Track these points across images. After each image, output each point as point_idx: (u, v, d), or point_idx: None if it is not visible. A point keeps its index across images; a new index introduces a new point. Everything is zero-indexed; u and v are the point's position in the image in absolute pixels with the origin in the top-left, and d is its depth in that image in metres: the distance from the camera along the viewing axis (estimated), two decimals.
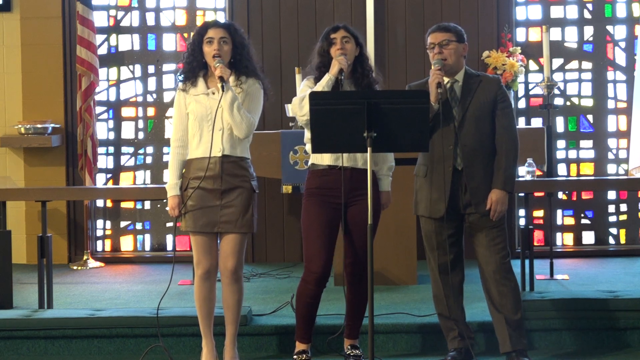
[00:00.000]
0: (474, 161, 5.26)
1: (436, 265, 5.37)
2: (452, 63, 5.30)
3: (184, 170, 5.33)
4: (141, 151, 8.63)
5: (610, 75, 8.45)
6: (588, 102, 8.48)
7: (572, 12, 8.49)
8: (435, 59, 5.28)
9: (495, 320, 5.37)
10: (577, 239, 8.47)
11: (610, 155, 8.45)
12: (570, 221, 8.49)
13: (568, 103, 8.48)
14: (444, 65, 5.27)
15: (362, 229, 5.20)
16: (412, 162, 6.02)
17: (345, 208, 5.31)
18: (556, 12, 8.50)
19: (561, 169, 8.46)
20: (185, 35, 8.54)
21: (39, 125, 8.21)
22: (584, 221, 8.48)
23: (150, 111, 8.62)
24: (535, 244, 7.52)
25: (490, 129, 5.30)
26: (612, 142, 8.44)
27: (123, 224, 8.65)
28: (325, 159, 5.33)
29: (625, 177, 8.18)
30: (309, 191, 5.37)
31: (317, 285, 5.30)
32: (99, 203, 8.57)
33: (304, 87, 5.39)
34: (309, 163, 5.42)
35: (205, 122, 5.25)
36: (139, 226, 8.65)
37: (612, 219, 8.46)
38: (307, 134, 5.38)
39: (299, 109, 5.29)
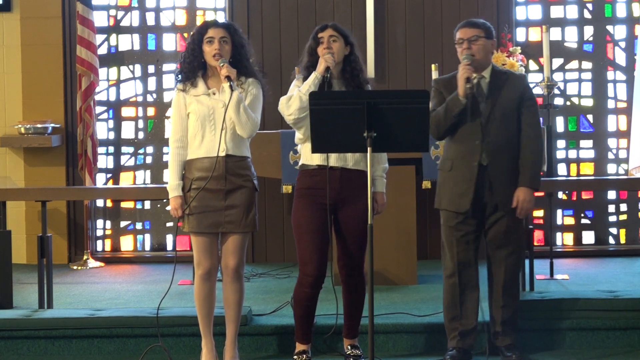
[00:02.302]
0: (499, 157, 5.28)
1: (452, 261, 5.36)
2: (480, 59, 5.31)
3: (184, 171, 5.33)
4: (141, 151, 8.62)
5: (610, 75, 8.45)
6: (588, 102, 8.48)
7: (572, 12, 8.48)
8: (464, 54, 5.29)
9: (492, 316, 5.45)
10: (577, 239, 8.47)
11: (610, 155, 8.45)
12: (570, 221, 8.48)
13: (568, 103, 8.48)
14: (472, 61, 5.28)
15: (355, 231, 5.21)
16: (411, 162, 6.04)
17: (335, 210, 5.30)
18: (556, 12, 8.50)
19: (561, 169, 8.46)
20: (185, 35, 8.54)
21: (39, 125, 8.21)
22: (584, 221, 8.48)
23: (150, 111, 8.62)
24: (535, 243, 7.51)
25: (516, 126, 5.32)
26: (612, 142, 8.44)
27: (123, 224, 8.64)
28: (314, 159, 5.31)
29: (625, 177, 8.18)
30: (300, 191, 5.36)
31: (313, 288, 5.31)
32: (99, 203, 8.56)
33: (292, 87, 5.39)
34: (300, 163, 5.42)
35: (208, 122, 5.25)
36: (139, 226, 8.64)
37: (612, 219, 8.46)
38: (298, 135, 5.38)
39: (285, 108, 5.29)
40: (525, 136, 5.31)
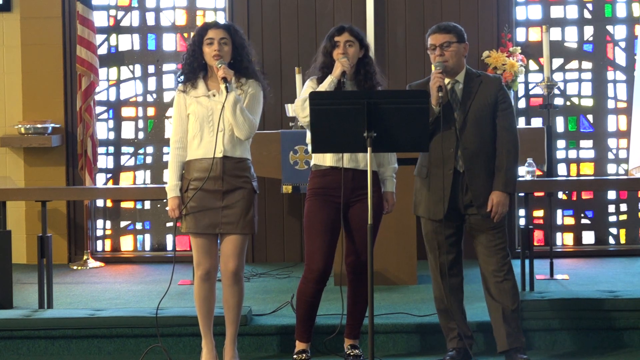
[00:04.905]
0: (475, 163, 5.24)
1: (436, 266, 5.37)
2: (453, 64, 5.27)
3: (183, 172, 5.33)
4: (141, 151, 8.63)
5: (610, 75, 8.45)
6: (588, 102, 8.48)
7: (572, 12, 8.49)
8: (436, 62, 5.26)
9: (493, 319, 5.37)
10: (577, 239, 8.47)
11: (610, 155, 8.45)
12: (570, 221, 8.49)
13: (568, 103, 8.48)
14: (445, 67, 5.24)
15: (364, 228, 5.21)
16: (412, 162, 6.01)
17: (346, 207, 5.32)
18: (556, 12, 8.50)
19: (561, 169, 8.46)
20: (185, 35, 8.54)
21: (39, 125, 8.21)
22: (584, 221, 8.48)
23: (150, 111, 8.62)
24: (535, 244, 7.52)
25: (491, 130, 5.28)
26: (612, 142, 8.44)
27: (123, 224, 8.65)
28: (327, 160, 5.33)
29: (625, 177, 8.18)
30: (312, 191, 5.38)
31: (318, 283, 5.32)
32: (99, 203, 8.57)
33: (306, 88, 5.39)
34: (312, 163, 5.43)
35: (207, 123, 5.25)
36: (139, 226, 8.65)
37: (612, 219, 8.46)
38: (310, 135, 5.38)
39: (301, 110, 5.29)
40: (500, 140, 5.26)
